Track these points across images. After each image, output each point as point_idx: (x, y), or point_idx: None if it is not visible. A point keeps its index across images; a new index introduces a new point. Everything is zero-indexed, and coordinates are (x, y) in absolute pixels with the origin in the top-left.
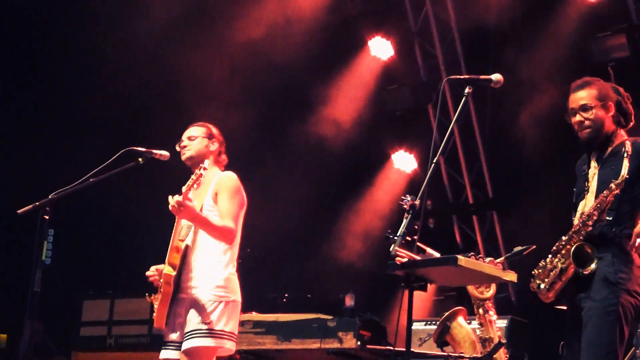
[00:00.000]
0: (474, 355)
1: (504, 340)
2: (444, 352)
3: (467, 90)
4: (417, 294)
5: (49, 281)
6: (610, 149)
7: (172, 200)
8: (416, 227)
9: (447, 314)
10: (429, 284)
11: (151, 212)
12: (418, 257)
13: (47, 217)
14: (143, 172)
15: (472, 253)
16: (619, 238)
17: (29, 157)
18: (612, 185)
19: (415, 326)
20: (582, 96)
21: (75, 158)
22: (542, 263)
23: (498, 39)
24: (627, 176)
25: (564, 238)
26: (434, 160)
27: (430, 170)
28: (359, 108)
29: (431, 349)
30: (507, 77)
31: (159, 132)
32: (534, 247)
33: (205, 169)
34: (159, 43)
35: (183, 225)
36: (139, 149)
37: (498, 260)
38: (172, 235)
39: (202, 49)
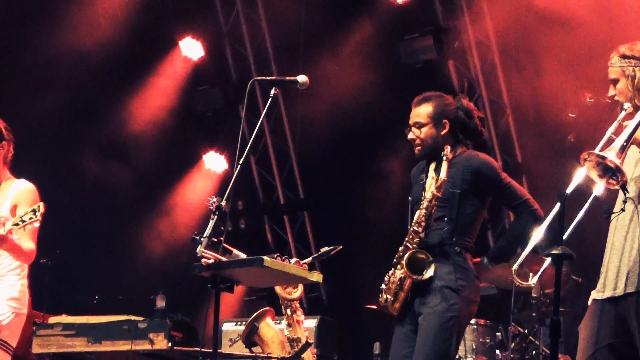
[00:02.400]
0: (282, 355)
1: (311, 340)
2: (253, 352)
3: (273, 91)
4: (227, 294)
5: None
6: (444, 157)
7: None
8: (223, 227)
9: (255, 314)
10: (236, 285)
11: None
12: (224, 258)
13: None
14: None
15: (277, 254)
16: (458, 247)
17: None
18: (434, 190)
19: (226, 327)
20: (417, 113)
21: None
22: (386, 277)
23: (308, 39)
24: (446, 178)
25: (400, 249)
26: (240, 161)
27: (236, 171)
28: (169, 108)
29: (241, 349)
30: (316, 77)
31: None
32: (341, 247)
33: (39, 220)
34: None
35: None
36: None
37: (305, 260)
38: None
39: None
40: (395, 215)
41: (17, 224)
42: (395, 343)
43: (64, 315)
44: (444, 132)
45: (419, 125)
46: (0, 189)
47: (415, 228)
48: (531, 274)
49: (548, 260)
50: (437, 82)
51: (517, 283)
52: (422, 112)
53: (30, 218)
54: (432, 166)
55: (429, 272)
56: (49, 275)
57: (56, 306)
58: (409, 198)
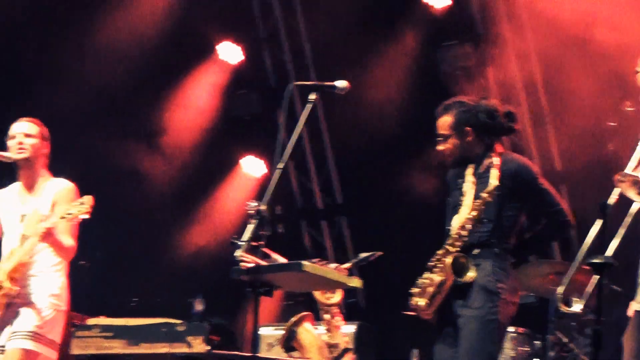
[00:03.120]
0: None
1: (350, 346)
2: (291, 357)
3: (312, 96)
4: (265, 299)
5: None
6: (486, 163)
7: (40, 226)
8: (262, 232)
9: (293, 319)
10: (274, 290)
11: None
12: (263, 262)
13: None
14: None
15: (317, 259)
16: (498, 248)
17: None
18: (484, 194)
19: (264, 331)
20: (440, 125)
21: None
22: (419, 281)
23: (348, 44)
24: (498, 183)
25: (439, 252)
26: (279, 166)
27: (275, 175)
28: (208, 112)
29: (279, 354)
30: (355, 83)
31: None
32: (381, 253)
33: (88, 213)
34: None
35: (21, 234)
36: None
37: (344, 265)
38: (19, 244)
39: (56, 54)
40: (433, 220)
41: (63, 217)
42: (439, 347)
43: (102, 317)
44: (468, 138)
45: (444, 138)
46: (39, 188)
47: (459, 231)
48: (574, 299)
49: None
50: (475, 89)
51: (563, 310)
52: (443, 123)
53: (78, 210)
54: (469, 170)
55: (471, 275)
56: (89, 277)
57: (95, 308)
58: (448, 200)
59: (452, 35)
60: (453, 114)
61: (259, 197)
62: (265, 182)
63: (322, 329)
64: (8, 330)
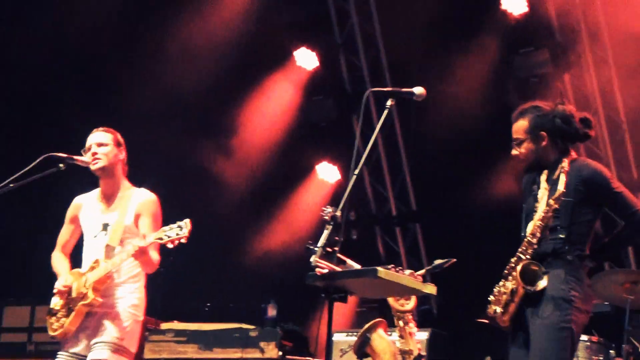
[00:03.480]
0: None
1: (423, 353)
2: None
3: (389, 102)
4: (338, 305)
5: None
6: (559, 170)
7: (134, 245)
8: (337, 238)
9: (367, 325)
10: (349, 295)
11: None
12: (338, 268)
13: None
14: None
15: (392, 265)
16: (572, 255)
17: None
18: (551, 201)
19: (337, 337)
20: (515, 129)
21: None
22: (495, 289)
23: (424, 51)
24: (564, 190)
25: (513, 260)
26: (355, 172)
27: (351, 182)
28: (283, 117)
29: None
30: (431, 90)
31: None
32: (454, 260)
33: (186, 238)
34: (91, 48)
35: (106, 244)
36: (60, 154)
37: (418, 272)
38: (103, 254)
39: (135, 57)
40: (507, 227)
41: (161, 239)
42: (513, 352)
43: (176, 321)
44: (543, 143)
45: (518, 142)
46: (120, 197)
47: (529, 239)
48: None
49: None
50: (552, 96)
51: None
52: (519, 128)
53: (177, 234)
54: (543, 176)
55: (542, 283)
56: (162, 281)
57: (169, 312)
58: (523, 206)
59: (529, 42)
60: (529, 118)
61: (333, 203)
62: (339, 188)
63: (395, 335)
64: (87, 339)
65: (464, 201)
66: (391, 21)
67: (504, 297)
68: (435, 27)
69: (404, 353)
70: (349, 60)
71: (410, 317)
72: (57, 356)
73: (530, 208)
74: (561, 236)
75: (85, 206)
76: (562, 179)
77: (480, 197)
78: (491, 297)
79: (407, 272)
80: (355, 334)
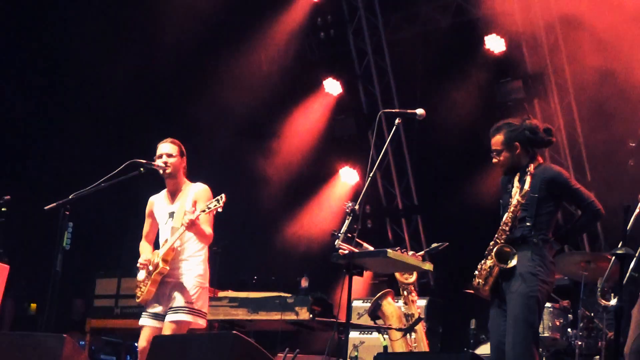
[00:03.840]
0: (399, 326)
1: (422, 316)
2: (377, 324)
3: (397, 121)
4: (356, 278)
5: (68, 263)
6: (527, 173)
7: (186, 218)
8: (355, 226)
9: (379, 294)
10: (365, 271)
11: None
12: (356, 250)
13: (67, 213)
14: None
15: (398, 247)
16: (537, 239)
17: (53, 160)
18: (519, 198)
19: (355, 304)
20: (494, 142)
21: (92, 163)
22: (479, 265)
23: (425, 79)
24: (529, 188)
25: (491, 243)
26: (370, 175)
27: (367, 182)
28: (314, 132)
29: (367, 321)
30: (430, 111)
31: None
32: (447, 244)
33: (221, 207)
34: (178, 60)
35: (171, 226)
36: (141, 160)
37: (419, 253)
38: (170, 235)
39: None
40: (490, 217)
41: (204, 210)
42: (492, 319)
43: (229, 290)
44: (517, 151)
45: (497, 152)
46: (182, 192)
47: (503, 227)
48: (612, 294)
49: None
50: (523, 116)
51: (602, 303)
52: (496, 141)
53: (215, 205)
54: (516, 178)
55: (513, 262)
56: (219, 259)
57: (224, 283)
58: (500, 201)
59: (506, 74)
60: (503, 133)
61: (353, 199)
62: (358, 187)
63: (400, 302)
64: (164, 303)
65: (456, 197)
66: (399, 57)
67: (484, 272)
68: (434, 61)
69: (408, 316)
70: (366, 87)
71: (412, 288)
72: (142, 315)
73: (506, 203)
74: (528, 224)
75: (157, 202)
76: (528, 180)
77: (468, 193)
78: (476, 272)
79: (410, 253)
80: (369, 301)
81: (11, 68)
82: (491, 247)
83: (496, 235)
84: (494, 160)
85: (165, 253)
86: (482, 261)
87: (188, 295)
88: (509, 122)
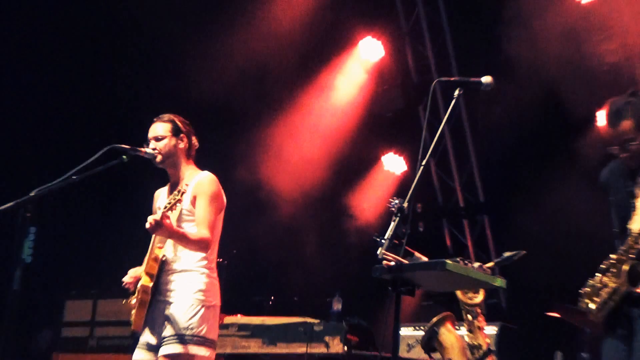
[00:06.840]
0: None
1: (493, 347)
2: (432, 358)
3: (457, 92)
4: (405, 298)
5: (30, 280)
6: None
7: (150, 218)
8: (404, 230)
9: (435, 319)
10: (417, 289)
11: (137, 210)
12: (405, 261)
13: (28, 215)
14: (128, 169)
15: (460, 257)
16: None
17: (9, 151)
18: None
19: (404, 331)
20: (620, 131)
21: (59, 154)
22: (590, 282)
23: (491, 40)
24: None
25: (613, 256)
26: (422, 163)
27: (418, 173)
28: (349, 108)
29: (419, 355)
30: (500, 79)
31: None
32: (524, 252)
33: (184, 192)
34: (164, 45)
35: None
36: (123, 146)
37: (487, 265)
38: (151, 243)
39: (204, 52)
40: (577, 220)
41: (165, 207)
42: (608, 354)
43: (239, 315)
44: None
45: (630, 141)
46: (184, 183)
47: (635, 239)
48: None
49: None
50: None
51: None
52: (625, 127)
53: (174, 198)
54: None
55: None
56: (226, 274)
57: (232, 306)
58: (610, 199)
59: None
60: (630, 115)
61: (400, 194)
62: (405, 179)
63: (463, 329)
64: (156, 330)
65: (533, 192)
66: (458, 9)
67: (602, 293)
68: (510, 9)
69: (473, 348)
70: (416, 49)
71: (479, 310)
72: (136, 349)
73: (624, 204)
74: None
75: (160, 197)
76: None
77: (549, 188)
78: (583, 290)
79: (476, 264)
80: (422, 328)
81: None
82: (614, 262)
83: (622, 248)
84: (624, 154)
85: (148, 265)
86: (597, 277)
87: (183, 318)
88: (627, 100)
